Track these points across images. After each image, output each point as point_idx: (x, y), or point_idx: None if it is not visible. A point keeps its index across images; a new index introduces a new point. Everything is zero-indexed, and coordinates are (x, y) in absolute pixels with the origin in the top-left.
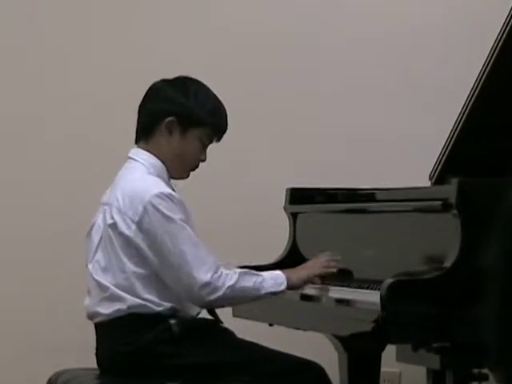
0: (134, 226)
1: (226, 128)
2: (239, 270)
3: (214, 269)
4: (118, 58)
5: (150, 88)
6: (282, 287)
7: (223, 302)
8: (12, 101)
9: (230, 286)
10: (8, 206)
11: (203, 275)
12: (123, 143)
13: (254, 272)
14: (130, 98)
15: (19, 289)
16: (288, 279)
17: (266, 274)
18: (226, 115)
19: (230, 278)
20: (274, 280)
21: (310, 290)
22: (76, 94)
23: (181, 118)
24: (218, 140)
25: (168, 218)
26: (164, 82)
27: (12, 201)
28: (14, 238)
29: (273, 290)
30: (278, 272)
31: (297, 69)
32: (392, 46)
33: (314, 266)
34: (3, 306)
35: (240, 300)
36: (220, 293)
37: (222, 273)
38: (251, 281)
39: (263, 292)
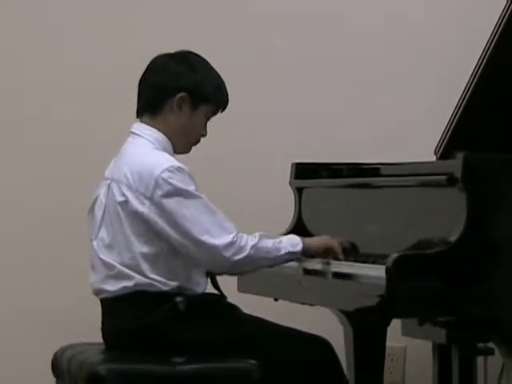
0: (147, 202)
1: (228, 101)
2: (258, 233)
3: (234, 232)
4: (118, 40)
5: (152, 62)
6: (299, 247)
7: (248, 263)
8: (12, 86)
9: (253, 246)
10: (10, 184)
11: (225, 237)
12: (122, 119)
13: (270, 234)
14: (124, 78)
15: (24, 265)
16: (303, 242)
17: (281, 236)
18: (226, 89)
19: (252, 238)
20: (290, 241)
21: (315, 265)
22: (76, 78)
23: (191, 93)
24: (216, 114)
25: (182, 190)
26: (167, 56)
27: (14, 179)
28: (17, 214)
29: (291, 249)
30: (292, 235)
31: (301, 47)
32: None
33: (332, 239)
34: (8, 283)
35: (263, 261)
36: (245, 252)
37: (243, 235)
38: (270, 242)
39: (283, 252)
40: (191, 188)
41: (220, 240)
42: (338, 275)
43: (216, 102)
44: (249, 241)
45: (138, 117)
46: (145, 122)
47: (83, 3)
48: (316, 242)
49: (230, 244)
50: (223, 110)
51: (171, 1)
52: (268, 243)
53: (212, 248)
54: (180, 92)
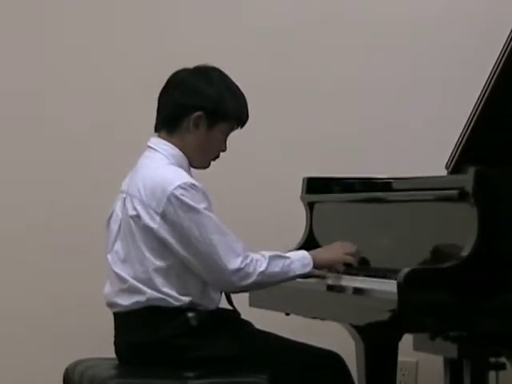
0: (158, 218)
1: (248, 117)
2: (268, 254)
3: (243, 255)
4: (135, 49)
5: (172, 77)
6: (309, 268)
7: (254, 286)
8: (30, 92)
9: (261, 273)
10: (25, 197)
11: (234, 262)
12: (142, 133)
13: (281, 254)
14: (145, 89)
15: (36, 279)
16: (314, 259)
17: (292, 255)
18: (247, 105)
19: (260, 264)
20: (301, 261)
21: (327, 280)
22: (93, 85)
23: (208, 112)
24: (235, 129)
25: (193, 208)
26: (187, 71)
27: (29, 192)
28: (30, 229)
29: (300, 271)
30: (304, 253)
31: (313, 63)
32: (404, 34)
33: (339, 250)
34: (20, 297)
35: (270, 284)
36: (252, 279)
37: (252, 259)
38: (280, 265)
39: (291, 274)
40: (202, 206)
41: (228, 263)
42: (349, 290)
43: (234, 120)
44: (257, 267)
45: (156, 131)
46: (162, 137)
47: (106, 7)
48: (326, 259)
49: (238, 270)
50: (242, 127)
51: (191, 9)
52: (277, 266)
53: (219, 270)
54: (197, 111)
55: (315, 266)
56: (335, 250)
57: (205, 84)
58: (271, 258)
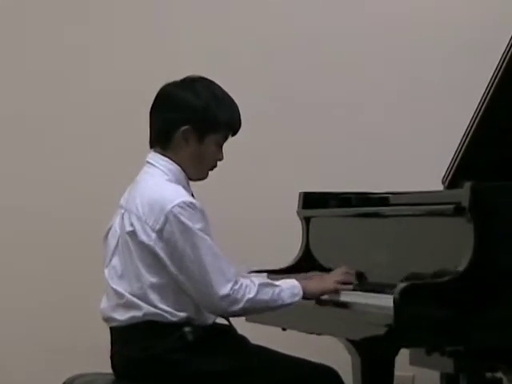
0: (154, 235)
1: (240, 125)
2: (258, 282)
3: (233, 280)
4: (134, 57)
5: (159, 93)
6: (297, 298)
7: (241, 313)
8: (28, 102)
9: (249, 299)
10: (24, 209)
11: (223, 287)
12: (139, 145)
13: (271, 282)
14: (142, 98)
15: (34, 293)
16: (304, 288)
17: (282, 283)
18: (239, 111)
19: (249, 290)
20: (291, 290)
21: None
22: (93, 95)
23: (196, 125)
24: (228, 138)
25: (189, 229)
26: (173, 85)
27: (29, 203)
28: (28, 241)
29: (289, 301)
30: (294, 282)
31: (313, 72)
32: (399, 46)
33: (330, 280)
34: (17, 310)
35: (257, 311)
36: (240, 305)
37: (241, 284)
38: (269, 293)
39: (280, 303)
40: (198, 227)
41: (218, 288)
42: (345, 305)
43: (225, 128)
44: (246, 293)
45: (151, 147)
46: (158, 152)
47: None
48: (316, 290)
49: (227, 296)
50: (235, 134)
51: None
52: (266, 294)
53: (209, 294)
54: (183, 125)
55: (305, 296)
56: (325, 281)
57: (190, 96)
58: (261, 286)
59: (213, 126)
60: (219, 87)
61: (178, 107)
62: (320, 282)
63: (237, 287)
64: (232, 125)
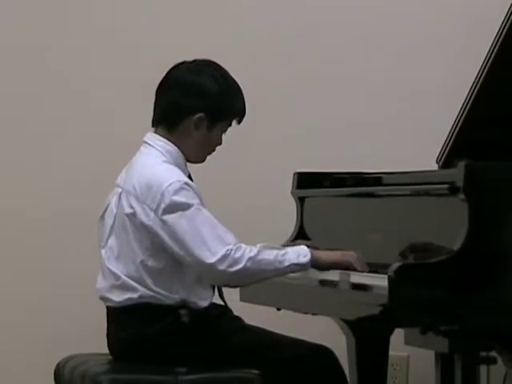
0: (152, 214)
1: (245, 113)
2: (260, 244)
3: (232, 243)
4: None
5: (171, 73)
6: (306, 259)
7: (247, 275)
8: (28, 95)
9: (250, 258)
10: (20, 189)
11: (220, 249)
12: (138, 128)
13: (275, 245)
14: (143, 83)
15: (27, 273)
16: (312, 253)
17: (288, 247)
18: (244, 100)
19: (250, 250)
20: (297, 252)
21: (318, 275)
22: (92, 85)
23: (210, 113)
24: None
25: (184, 204)
26: (186, 67)
27: (25, 183)
28: (23, 221)
29: (296, 261)
30: (302, 246)
31: (303, 55)
32: (395, 33)
33: (346, 255)
34: (8, 292)
35: (264, 273)
36: (241, 265)
37: (241, 246)
38: (272, 253)
39: (287, 263)
40: (194, 202)
41: (215, 253)
42: (340, 284)
43: (234, 117)
44: (246, 252)
45: (153, 126)
46: (159, 133)
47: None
48: (330, 256)
49: (224, 256)
50: (240, 121)
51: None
52: (269, 255)
53: (208, 259)
54: (198, 112)
55: (316, 259)
56: (340, 254)
57: (207, 84)
58: (263, 247)
59: (225, 113)
60: (230, 75)
61: (193, 94)
62: (333, 254)
63: (234, 247)
64: (241, 113)
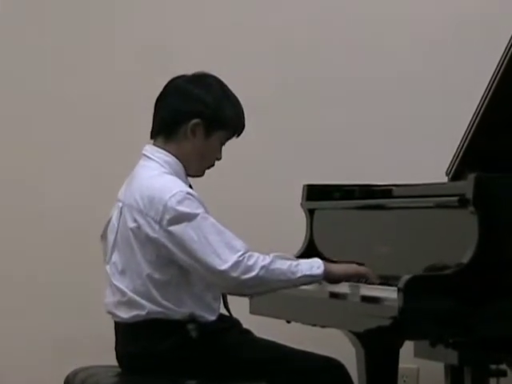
0: (157, 227)
1: (244, 128)
2: (273, 254)
3: (243, 250)
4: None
5: (170, 85)
6: (319, 271)
7: (259, 284)
8: (26, 101)
9: (264, 266)
10: (24, 203)
11: (232, 256)
12: (137, 140)
13: (288, 256)
14: (141, 95)
15: (37, 285)
16: (325, 265)
17: (301, 259)
18: (244, 114)
19: (264, 258)
20: (310, 263)
21: (328, 287)
22: (91, 92)
23: (206, 120)
24: (231, 138)
25: (189, 215)
26: (185, 78)
27: (28, 196)
28: (31, 234)
29: (309, 272)
30: (315, 258)
31: (315, 68)
32: (405, 36)
33: (359, 267)
34: (20, 303)
35: (276, 283)
36: (253, 272)
37: (253, 254)
38: (286, 264)
39: (299, 274)
40: (199, 211)
41: (226, 260)
42: (350, 297)
43: (231, 128)
44: (259, 261)
45: (151, 138)
46: (157, 145)
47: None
48: (343, 268)
49: (237, 263)
50: (239, 135)
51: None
52: (283, 265)
53: (219, 267)
54: (194, 118)
55: (328, 272)
56: (352, 266)
57: (203, 91)
58: (276, 256)
59: (222, 123)
60: (228, 87)
61: (190, 100)
62: (346, 267)
63: (247, 254)
64: (238, 125)
